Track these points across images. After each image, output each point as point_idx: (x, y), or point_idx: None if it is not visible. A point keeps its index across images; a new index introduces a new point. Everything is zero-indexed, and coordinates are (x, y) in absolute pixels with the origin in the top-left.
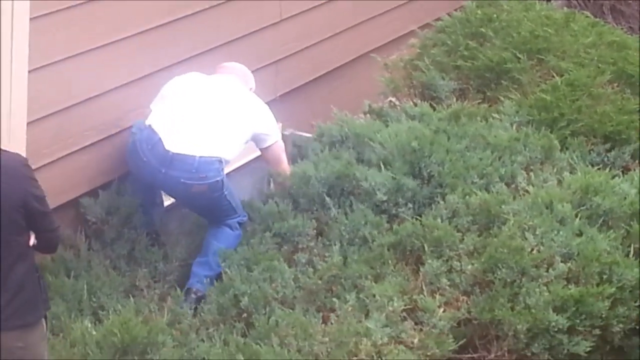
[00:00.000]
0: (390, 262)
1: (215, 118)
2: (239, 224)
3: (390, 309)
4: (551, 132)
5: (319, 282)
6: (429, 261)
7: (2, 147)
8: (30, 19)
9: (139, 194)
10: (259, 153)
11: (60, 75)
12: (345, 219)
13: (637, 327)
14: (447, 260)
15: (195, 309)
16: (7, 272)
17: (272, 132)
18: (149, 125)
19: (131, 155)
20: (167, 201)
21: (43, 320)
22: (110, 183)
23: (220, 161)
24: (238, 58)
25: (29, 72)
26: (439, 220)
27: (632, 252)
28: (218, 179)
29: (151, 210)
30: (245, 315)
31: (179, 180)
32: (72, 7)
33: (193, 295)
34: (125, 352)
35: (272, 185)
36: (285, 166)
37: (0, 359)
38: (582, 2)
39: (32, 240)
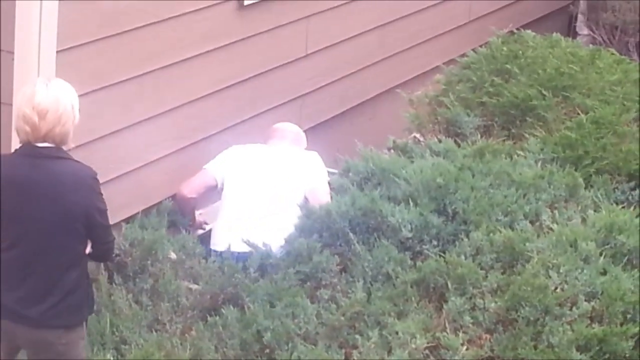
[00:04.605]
0: (413, 299)
1: (267, 212)
2: None
3: (413, 346)
4: (576, 170)
5: (342, 318)
6: (452, 299)
7: None
8: None
9: None
10: None
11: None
12: (368, 256)
13: None
14: (470, 298)
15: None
16: (61, 275)
17: (321, 189)
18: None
19: None
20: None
21: (84, 323)
22: (134, 217)
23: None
24: (263, 92)
25: None
26: (462, 257)
27: None
28: None
29: None
30: (267, 351)
31: None
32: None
33: None
34: None
35: None
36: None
37: (43, 354)
38: (608, 39)
39: (89, 249)
